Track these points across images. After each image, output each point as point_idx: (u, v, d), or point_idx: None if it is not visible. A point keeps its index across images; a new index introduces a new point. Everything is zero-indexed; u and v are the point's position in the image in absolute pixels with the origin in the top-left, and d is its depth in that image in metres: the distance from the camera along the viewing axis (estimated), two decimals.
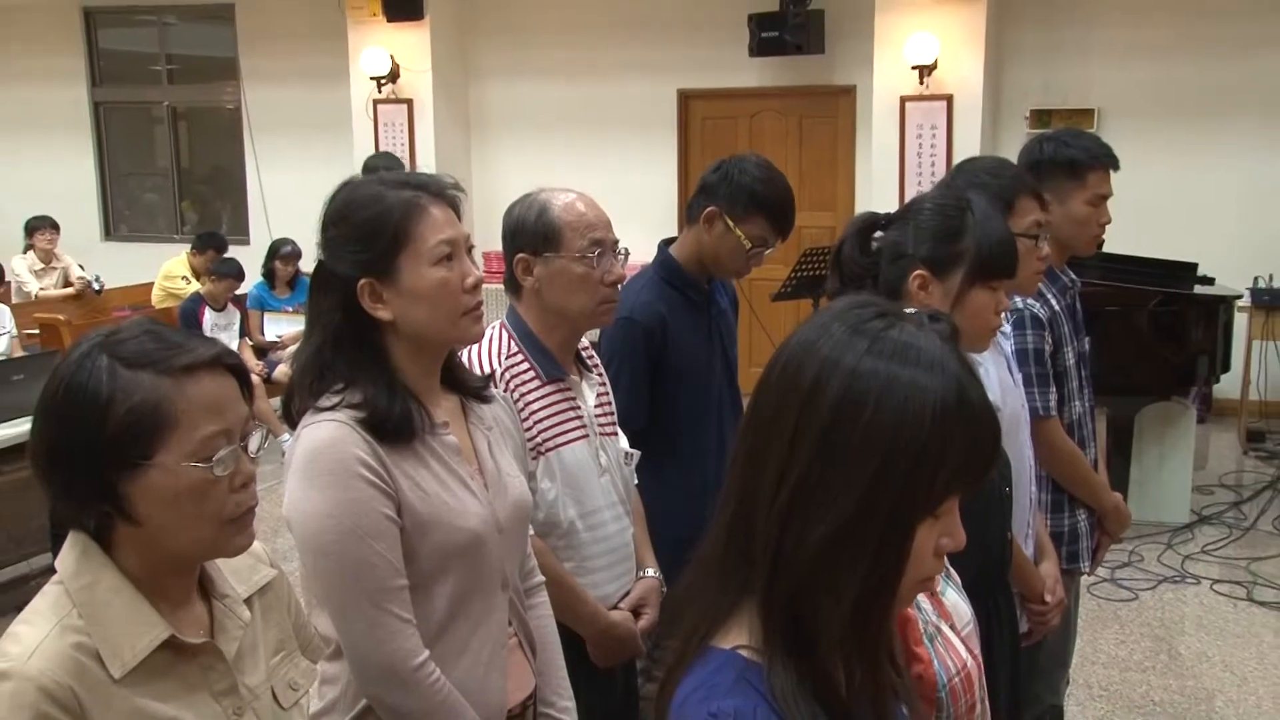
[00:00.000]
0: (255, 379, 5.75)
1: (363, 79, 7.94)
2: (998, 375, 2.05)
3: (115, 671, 1.12)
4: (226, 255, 7.06)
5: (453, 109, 8.17)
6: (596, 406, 2.11)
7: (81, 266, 7.85)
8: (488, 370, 1.94)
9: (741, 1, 7.26)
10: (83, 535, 1.17)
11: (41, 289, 7.59)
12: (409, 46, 7.87)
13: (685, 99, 7.85)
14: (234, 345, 6.45)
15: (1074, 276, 2.55)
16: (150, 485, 1.14)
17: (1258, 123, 6.72)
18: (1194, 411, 5.27)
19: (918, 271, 1.72)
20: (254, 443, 1.21)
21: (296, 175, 8.09)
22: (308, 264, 6.20)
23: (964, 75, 6.73)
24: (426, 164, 7.65)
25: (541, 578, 1.82)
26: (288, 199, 8.34)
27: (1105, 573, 4.47)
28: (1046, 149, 2.49)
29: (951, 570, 1.44)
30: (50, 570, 1.18)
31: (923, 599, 1.32)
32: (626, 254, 2.07)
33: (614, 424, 2.17)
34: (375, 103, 7.97)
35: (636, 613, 2.12)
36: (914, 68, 6.71)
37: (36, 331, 6.67)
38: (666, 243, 2.53)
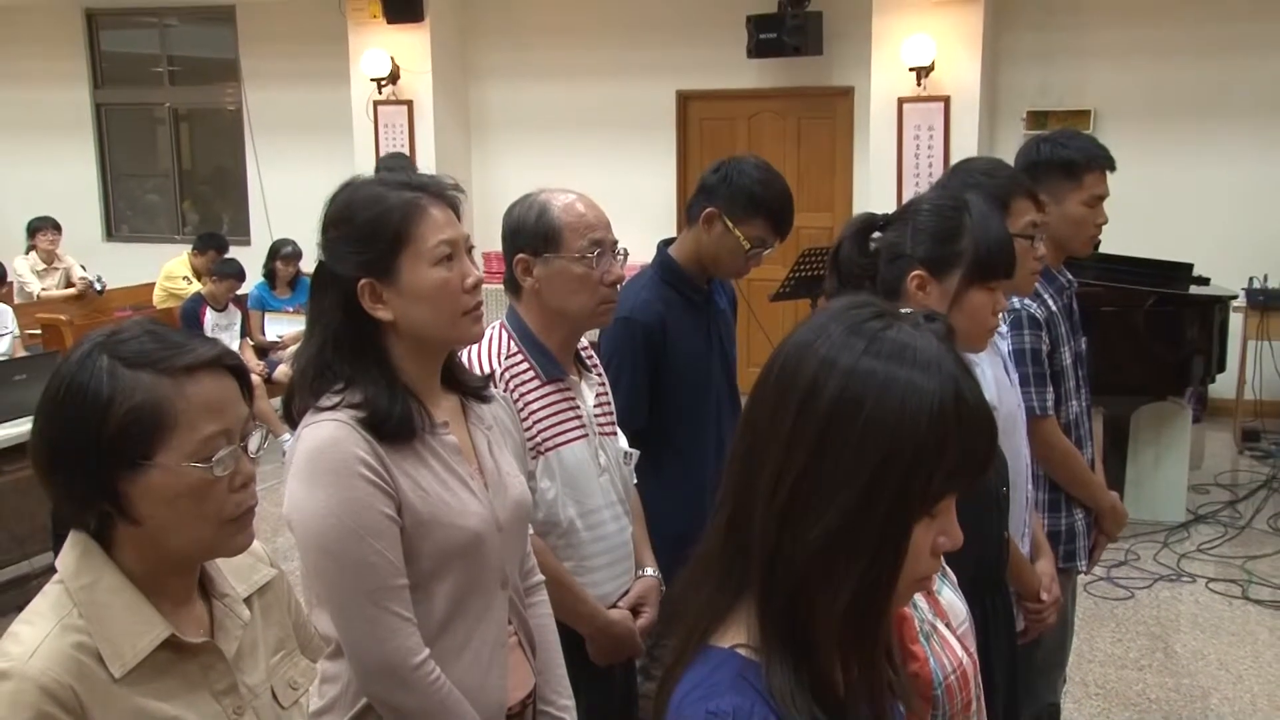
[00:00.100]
0: (256, 379, 5.75)
1: (363, 80, 7.95)
2: (994, 375, 2.06)
3: (116, 671, 1.13)
4: (227, 256, 7.07)
5: (453, 110, 8.18)
6: (596, 406, 2.11)
7: (83, 267, 7.85)
8: (487, 370, 1.95)
9: (740, 3, 7.27)
10: (83, 535, 1.17)
11: (43, 289, 7.60)
12: (409, 48, 7.88)
13: (684, 100, 7.86)
14: (235, 345, 6.46)
15: (1071, 277, 2.56)
16: (150, 485, 1.14)
17: (1253, 124, 6.73)
18: (1189, 411, 5.28)
19: (916, 272, 1.73)
20: (254, 443, 1.21)
21: (297, 176, 8.10)
22: (308, 264, 6.21)
23: (961, 77, 6.74)
24: (426, 165, 7.65)
25: (541, 577, 1.83)
26: (288, 200, 8.34)
27: (1101, 571, 4.48)
28: (1043, 150, 2.49)
29: (948, 569, 1.45)
30: (52, 570, 1.19)
31: (919, 597, 1.32)
32: (626, 254, 2.08)
33: (613, 424, 2.18)
34: (375, 104, 7.98)
35: (635, 611, 2.12)
36: (911, 69, 6.72)
37: (39, 332, 6.68)
38: (666, 243, 2.54)
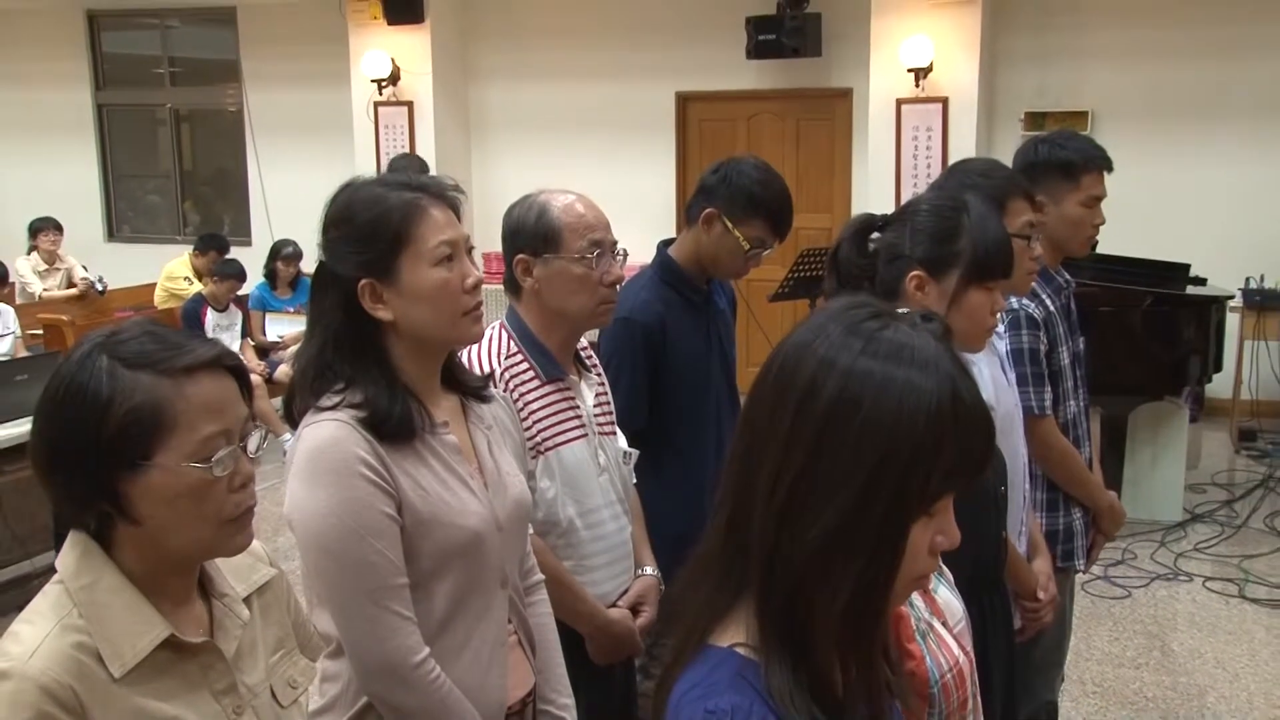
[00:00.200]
0: (255, 379, 5.76)
1: (363, 81, 7.95)
2: (991, 375, 2.06)
3: (115, 671, 1.13)
4: (228, 256, 7.08)
5: (453, 111, 8.19)
6: (595, 406, 2.12)
7: (85, 267, 7.86)
8: (487, 370, 1.96)
9: (739, 5, 7.27)
10: (83, 535, 1.18)
11: (45, 290, 7.60)
12: (409, 49, 7.88)
13: (683, 101, 7.87)
14: (236, 346, 6.47)
15: (1069, 277, 2.56)
16: (150, 485, 1.14)
17: (1249, 124, 6.74)
18: (1186, 411, 5.29)
19: (914, 272, 1.73)
20: (253, 443, 1.21)
21: (298, 177, 8.11)
22: (309, 265, 6.21)
23: (959, 78, 6.75)
24: None
25: (541, 576, 1.83)
26: (289, 200, 8.35)
27: (1099, 570, 4.48)
28: (1041, 151, 2.50)
29: (944, 568, 1.45)
30: (53, 569, 1.19)
31: (915, 596, 1.32)
32: (625, 255, 2.08)
33: (613, 423, 2.18)
34: (376, 105, 7.98)
35: (635, 610, 2.13)
36: (910, 71, 6.73)
37: (40, 332, 6.69)
38: (665, 244, 2.54)
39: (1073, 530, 2.54)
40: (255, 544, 1.31)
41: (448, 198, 1.61)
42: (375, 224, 1.56)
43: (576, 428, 2.05)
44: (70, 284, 7.70)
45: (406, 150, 7.82)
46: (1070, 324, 2.54)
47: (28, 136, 9.39)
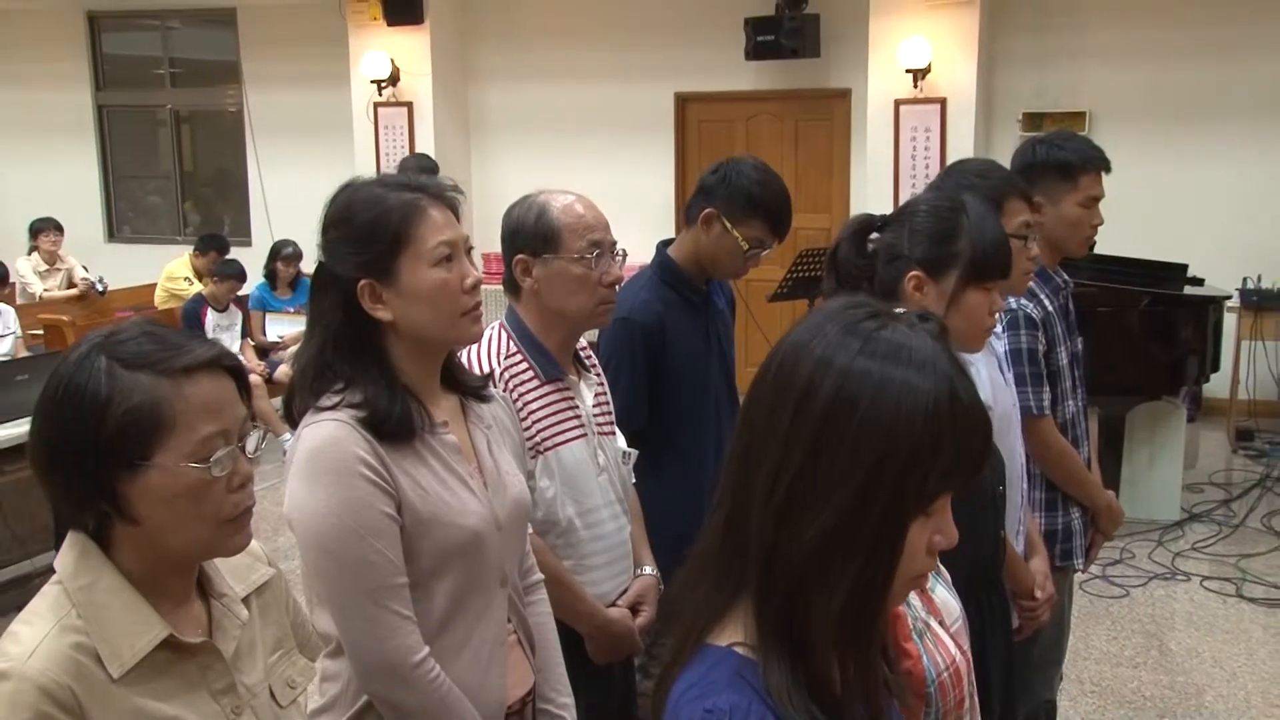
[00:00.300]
0: (255, 379, 5.76)
1: (363, 82, 7.95)
2: (989, 374, 2.07)
3: (114, 671, 1.13)
4: (228, 257, 7.08)
5: (452, 112, 8.19)
6: (595, 406, 2.12)
7: (85, 268, 7.86)
8: (487, 370, 1.96)
9: (737, 5, 7.28)
10: (81, 535, 1.18)
11: (46, 290, 7.61)
12: (409, 50, 7.88)
13: (682, 102, 7.87)
14: (236, 346, 6.48)
15: (1067, 277, 2.57)
16: (148, 485, 1.14)
17: (1247, 125, 6.75)
18: (1184, 411, 5.30)
19: (913, 273, 1.73)
20: (251, 443, 1.21)
21: (298, 177, 8.11)
22: (309, 265, 6.21)
23: (957, 79, 6.76)
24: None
25: (540, 575, 1.83)
26: (289, 201, 8.35)
27: (1097, 569, 4.49)
28: (1039, 151, 2.50)
29: (941, 567, 1.45)
30: (53, 569, 1.19)
31: (913, 595, 1.32)
32: (624, 255, 2.09)
33: (612, 423, 2.19)
34: (376, 106, 7.98)
35: (634, 610, 2.13)
36: (908, 71, 6.73)
37: (41, 332, 6.69)
38: (664, 244, 2.55)
39: (1071, 530, 2.54)
40: (254, 544, 1.31)
41: (447, 198, 1.62)
42: (375, 224, 1.56)
43: (576, 428, 2.05)
44: (71, 284, 7.70)
45: (406, 151, 7.83)
46: (1069, 324, 2.54)
47: (28, 137, 9.40)
